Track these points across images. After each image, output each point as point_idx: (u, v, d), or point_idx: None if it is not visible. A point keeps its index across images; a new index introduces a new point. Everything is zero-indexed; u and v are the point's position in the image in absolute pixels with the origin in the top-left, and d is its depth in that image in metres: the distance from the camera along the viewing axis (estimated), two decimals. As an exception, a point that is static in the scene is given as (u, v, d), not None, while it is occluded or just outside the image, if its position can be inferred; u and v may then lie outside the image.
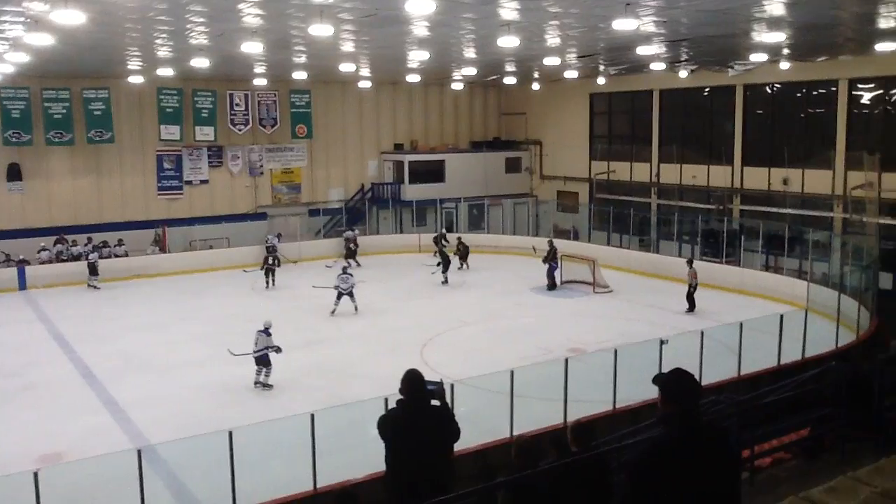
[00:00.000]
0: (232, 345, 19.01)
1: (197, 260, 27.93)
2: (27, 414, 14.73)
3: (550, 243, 26.04)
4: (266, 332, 15.98)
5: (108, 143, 29.61)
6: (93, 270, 26.02)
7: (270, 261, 26.40)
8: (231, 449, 9.40)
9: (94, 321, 21.75)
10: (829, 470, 7.10)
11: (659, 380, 4.19)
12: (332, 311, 21.61)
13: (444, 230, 31.48)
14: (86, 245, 27.93)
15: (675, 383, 4.15)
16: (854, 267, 21.49)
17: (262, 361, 15.84)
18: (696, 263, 22.87)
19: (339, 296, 21.68)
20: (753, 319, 16.21)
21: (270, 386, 15.85)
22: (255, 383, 15.88)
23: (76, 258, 27.44)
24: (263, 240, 28.91)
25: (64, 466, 11.42)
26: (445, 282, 26.01)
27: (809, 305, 19.67)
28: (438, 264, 26.66)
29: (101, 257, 27.08)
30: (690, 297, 22.02)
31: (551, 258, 25.43)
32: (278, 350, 15.93)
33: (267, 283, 26.11)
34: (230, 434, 9.43)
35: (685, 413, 4.06)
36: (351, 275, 22.08)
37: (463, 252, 29.25)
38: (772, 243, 26.31)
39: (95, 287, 25.81)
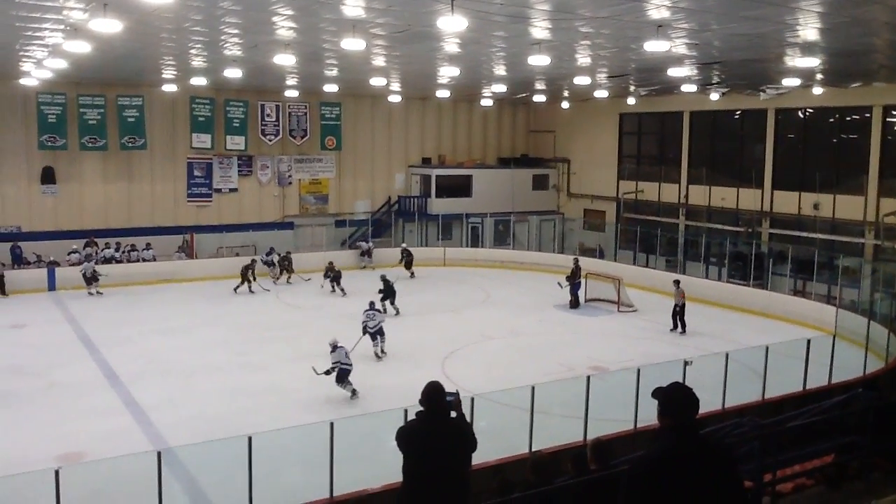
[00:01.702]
0: (251, 352, 19.23)
1: (223, 267, 28.14)
2: (50, 413, 14.89)
3: (576, 262, 25.91)
4: (336, 347, 15.94)
5: (141, 150, 30.05)
6: (88, 281, 25.54)
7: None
8: (249, 454, 9.43)
9: (119, 324, 21.98)
10: (852, 498, 6.98)
11: (657, 393, 4.17)
12: (377, 354, 18.93)
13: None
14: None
15: (669, 397, 4.14)
16: (885, 294, 21.16)
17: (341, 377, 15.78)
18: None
19: (365, 332, 19.06)
20: (780, 343, 16.02)
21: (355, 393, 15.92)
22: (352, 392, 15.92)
23: (107, 261, 27.83)
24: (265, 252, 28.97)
25: (84, 466, 11.53)
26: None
27: (838, 332, 19.41)
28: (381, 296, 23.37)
29: (103, 261, 27.42)
30: (676, 317, 21.89)
31: (575, 277, 25.29)
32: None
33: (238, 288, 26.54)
34: (249, 439, 9.46)
35: (679, 426, 4.03)
36: (378, 310, 19.60)
37: (408, 261, 29.92)
38: (800, 268, 26.02)
39: (98, 293, 25.58)
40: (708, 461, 4.07)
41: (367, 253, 31.67)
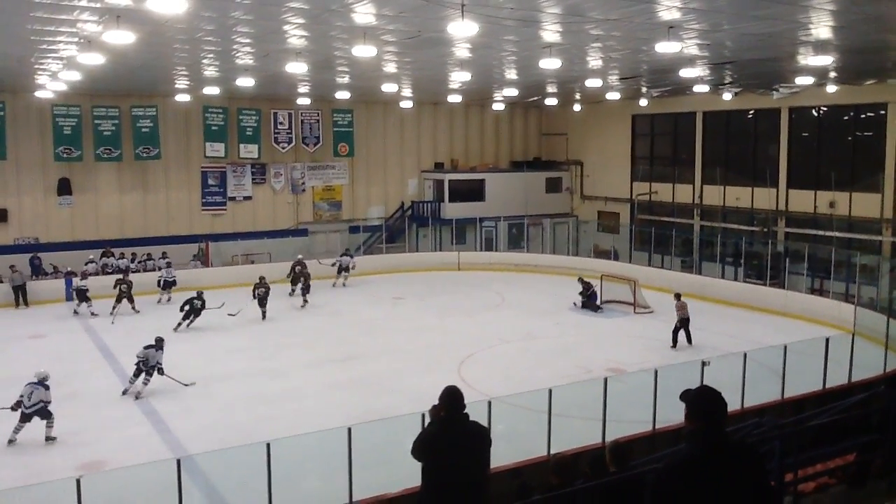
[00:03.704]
0: (269, 358, 19.30)
1: (238, 274, 28.27)
2: (71, 423, 14.93)
3: (581, 280, 25.63)
4: (42, 383, 13.93)
5: (155, 160, 30.26)
6: (81, 297, 24.21)
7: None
8: (268, 461, 9.45)
9: (137, 332, 21.94)
10: (874, 497, 6.92)
11: (686, 396, 4.15)
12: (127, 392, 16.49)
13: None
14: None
15: (699, 400, 4.10)
16: (903, 291, 21.00)
17: (44, 414, 13.85)
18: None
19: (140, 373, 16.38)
20: (798, 342, 15.89)
21: (54, 438, 13.90)
22: (47, 439, 13.84)
23: (122, 271, 28.02)
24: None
25: (105, 474, 11.59)
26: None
27: (856, 330, 19.27)
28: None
29: (117, 271, 27.25)
30: (677, 332, 20.21)
31: (588, 293, 25.20)
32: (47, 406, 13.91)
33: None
34: (268, 446, 9.49)
35: (709, 431, 4.01)
36: (161, 348, 16.67)
37: (294, 277, 26.73)
38: (817, 266, 25.85)
39: (93, 314, 23.90)
40: (736, 464, 4.05)
41: (348, 268, 29.15)
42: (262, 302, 23.57)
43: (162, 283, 26.46)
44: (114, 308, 23.85)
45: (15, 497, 9.84)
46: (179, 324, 22.15)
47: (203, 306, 22.58)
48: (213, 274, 29.08)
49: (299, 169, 33.78)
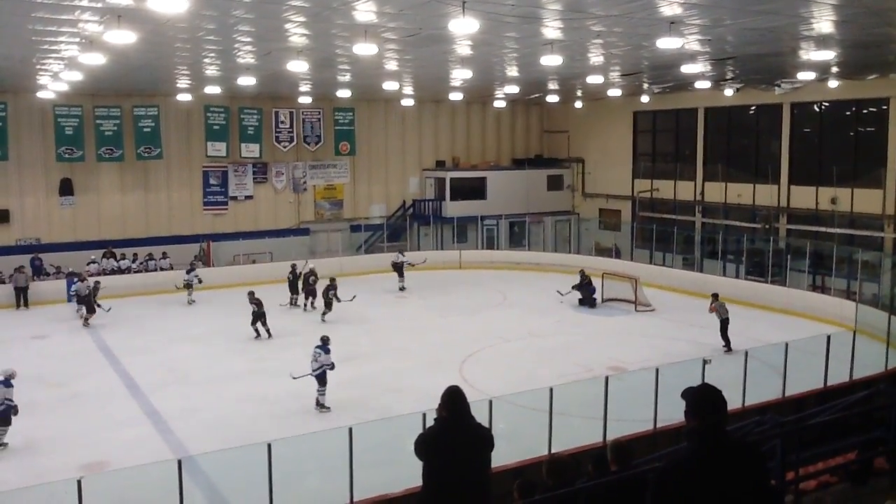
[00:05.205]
0: (270, 358, 19.29)
1: (240, 274, 28.27)
2: (72, 423, 14.98)
3: (581, 272, 25.77)
4: (5, 382, 13.64)
5: (157, 160, 30.26)
6: (82, 301, 23.33)
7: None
8: (269, 461, 9.45)
9: (138, 333, 22.12)
10: (876, 495, 6.90)
11: (686, 394, 4.14)
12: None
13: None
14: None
15: (700, 399, 4.08)
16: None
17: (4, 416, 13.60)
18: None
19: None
20: (799, 340, 15.87)
21: (4, 444, 13.67)
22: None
23: (123, 271, 28.06)
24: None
25: (107, 475, 11.60)
26: None
27: (858, 327, 19.22)
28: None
29: (119, 272, 27.41)
30: (724, 333, 19.56)
31: (586, 285, 25.24)
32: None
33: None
34: (269, 446, 9.49)
35: (710, 429, 3.99)
36: (321, 350, 15.63)
37: (309, 289, 24.77)
38: (819, 263, 25.79)
39: (86, 322, 23.10)
40: (737, 463, 4.03)
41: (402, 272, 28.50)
42: (257, 319, 21.41)
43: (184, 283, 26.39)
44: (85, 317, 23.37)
45: (16, 498, 9.85)
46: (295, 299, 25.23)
47: (295, 278, 25.16)
48: (215, 274, 29.08)
49: (301, 168, 33.77)
